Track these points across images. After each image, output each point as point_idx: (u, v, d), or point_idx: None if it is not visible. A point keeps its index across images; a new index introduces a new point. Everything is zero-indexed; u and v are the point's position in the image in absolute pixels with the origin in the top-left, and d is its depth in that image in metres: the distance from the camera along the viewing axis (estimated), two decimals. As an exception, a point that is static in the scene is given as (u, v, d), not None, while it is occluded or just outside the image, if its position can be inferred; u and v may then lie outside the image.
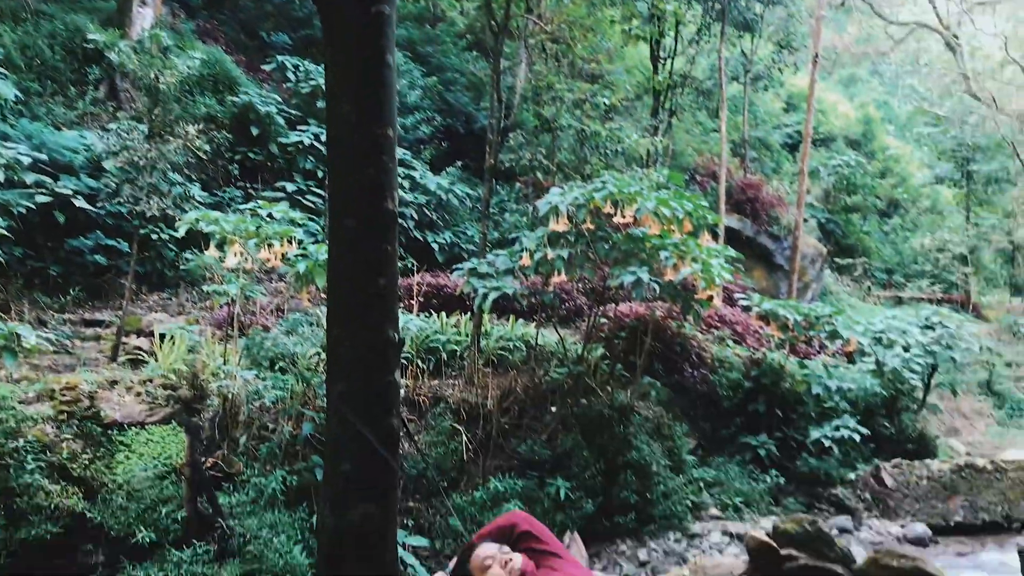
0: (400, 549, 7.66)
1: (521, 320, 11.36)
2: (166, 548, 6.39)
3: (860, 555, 4.71)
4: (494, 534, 3.07)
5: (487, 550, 2.94)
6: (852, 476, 11.41)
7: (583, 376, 9.88)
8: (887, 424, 12.29)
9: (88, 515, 6.34)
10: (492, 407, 9.36)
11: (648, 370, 10.72)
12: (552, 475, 9.08)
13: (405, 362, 9.75)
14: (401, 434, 2.99)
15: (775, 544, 4.83)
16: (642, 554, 9.17)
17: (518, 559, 2.90)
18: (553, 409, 9.64)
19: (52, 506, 6.16)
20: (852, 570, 4.71)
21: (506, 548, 2.95)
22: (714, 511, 10.31)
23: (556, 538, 3.17)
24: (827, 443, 10.95)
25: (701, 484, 10.50)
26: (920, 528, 10.57)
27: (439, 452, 8.86)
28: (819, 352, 13.68)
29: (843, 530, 10.54)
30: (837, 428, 11.08)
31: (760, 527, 10.15)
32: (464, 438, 9.09)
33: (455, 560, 3.06)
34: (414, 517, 8.46)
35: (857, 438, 10.94)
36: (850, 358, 13.30)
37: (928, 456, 12.22)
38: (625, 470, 9.46)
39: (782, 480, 10.96)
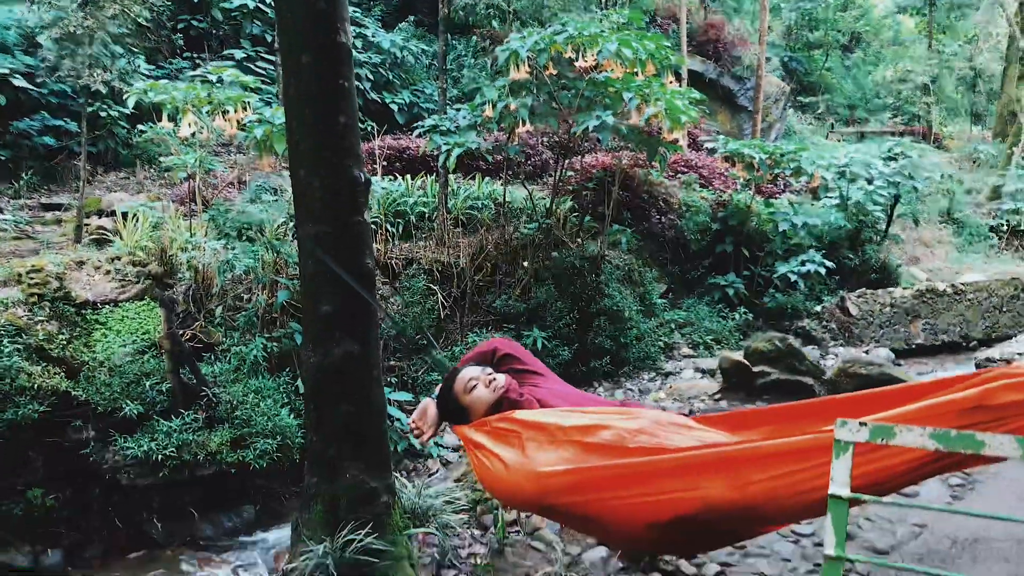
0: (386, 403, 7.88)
1: (488, 178, 11.28)
2: (154, 419, 6.50)
3: (831, 370, 4.89)
4: (476, 359, 3.10)
5: (470, 372, 2.96)
6: (818, 308, 11.76)
7: (553, 229, 9.93)
8: (851, 256, 12.57)
9: (72, 393, 6.39)
10: (465, 266, 9.42)
11: (617, 219, 10.79)
12: (528, 327, 9.27)
13: (374, 227, 9.71)
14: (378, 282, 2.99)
15: (748, 363, 4.99)
16: (618, 394, 9.48)
17: (501, 378, 2.92)
18: (525, 264, 9.73)
19: (35, 387, 6.19)
20: (823, 381, 4.88)
21: (489, 369, 2.98)
22: (686, 350, 10.64)
23: (536, 359, 3.23)
24: (793, 278, 11.22)
25: (672, 326, 10.79)
26: (884, 352, 10.98)
27: (415, 312, 8.96)
28: (784, 191, 13.79)
29: (810, 360, 11.00)
30: (803, 263, 11.33)
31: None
32: (439, 297, 9.19)
33: (440, 386, 3.08)
34: (397, 375, 8.65)
35: (823, 272, 11.23)
36: (815, 194, 13.45)
37: (891, 285, 12.59)
38: (599, 317, 9.66)
39: (750, 316, 11.28)
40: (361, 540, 2.76)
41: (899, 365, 10.88)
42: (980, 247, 15.79)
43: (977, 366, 7.35)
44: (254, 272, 7.85)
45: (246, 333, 7.58)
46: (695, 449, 2.18)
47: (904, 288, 12.04)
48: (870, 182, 12.22)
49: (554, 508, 2.42)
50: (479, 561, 3.23)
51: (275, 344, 7.58)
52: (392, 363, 8.70)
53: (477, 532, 3.56)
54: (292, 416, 6.97)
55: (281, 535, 6.74)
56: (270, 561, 6.55)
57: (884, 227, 13.34)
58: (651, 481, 2.16)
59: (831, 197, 12.74)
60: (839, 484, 1.68)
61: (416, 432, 2.99)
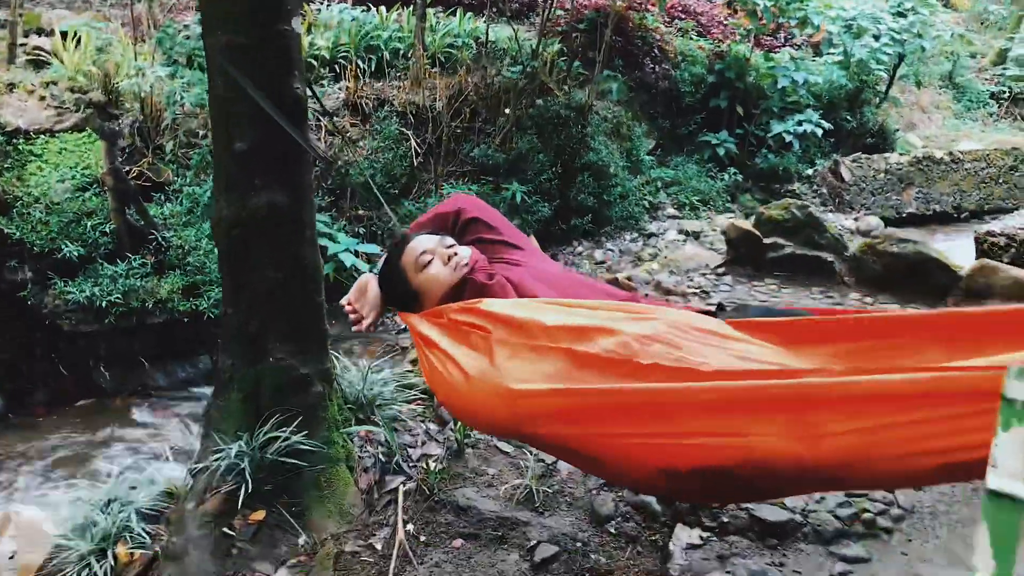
0: (353, 256, 7.40)
1: (469, 14, 10.36)
2: (98, 263, 6.00)
3: (855, 245, 4.27)
4: (433, 223, 2.37)
5: (424, 243, 2.23)
6: (810, 172, 11.25)
7: (538, 74, 9.16)
8: (849, 118, 11.94)
9: (5, 231, 5.84)
10: (441, 110, 8.72)
11: (608, 66, 10.00)
12: (507, 180, 8.69)
13: (344, 61, 8.92)
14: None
15: (758, 233, 4.39)
16: (598, 254, 9.09)
17: (465, 252, 2.23)
18: (507, 111, 9.02)
19: (-39, 221, 5.64)
20: (844, 257, 4.30)
21: (449, 240, 2.26)
22: (671, 211, 10.16)
23: (512, 225, 2.48)
24: (789, 138, 10.63)
25: (659, 184, 10.25)
26: (874, 221, 10.60)
27: (387, 158, 8.34)
28: (784, 44, 12.95)
29: (797, 225, 10.59)
30: (800, 123, 10.71)
31: (715, 225, 10.12)
32: (413, 143, 8.54)
33: (382, 259, 2.36)
34: (365, 225, 8.13)
35: (820, 132, 10.65)
36: (816, 50, 12.65)
37: (887, 150, 12.05)
38: (582, 172, 9.10)
39: (740, 178, 10.75)
40: (287, 438, 2.24)
41: (888, 235, 10.59)
42: (978, 114, 15.17)
43: (977, 241, 6.93)
44: (205, 107, 7.14)
45: (200, 173, 6.96)
46: (741, 376, 1.48)
47: (900, 154, 11.51)
48: (876, 39, 11.41)
49: (534, 438, 1.82)
50: (432, 466, 2.67)
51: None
52: (360, 212, 8.17)
53: (433, 427, 2.97)
54: (250, 264, 6.49)
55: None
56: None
57: (885, 88, 12.64)
58: (673, 418, 1.50)
59: (833, 53, 11.96)
60: (1006, 475, 0.99)
61: (353, 317, 2.30)
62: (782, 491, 1.96)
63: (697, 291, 4.21)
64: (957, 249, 9.06)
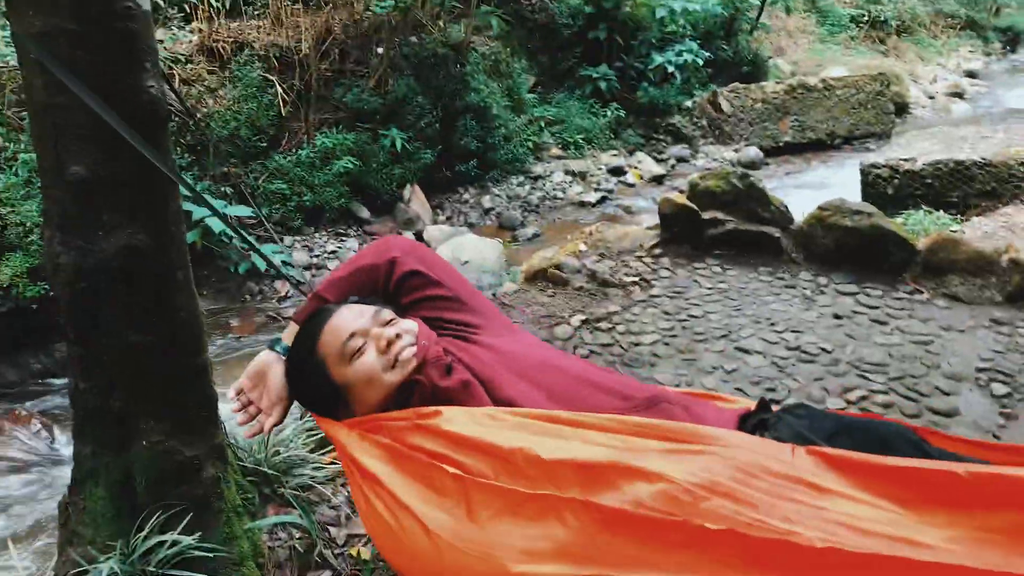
0: (221, 222, 6.69)
1: (330, -58, 9.47)
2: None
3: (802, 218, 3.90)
4: (357, 280, 1.71)
5: (350, 321, 1.57)
6: (690, 104, 11.14)
7: (411, 9, 8.48)
8: (725, 46, 11.86)
9: None
10: (308, 52, 7.94)
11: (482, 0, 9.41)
12: (385, 126, 8.08)
13: (195, 0, 7.95)
14: (172, 100, 1.79)
15: (695, 207, 4.01)
16: (486, 201, 8.69)
17: (407, 336, 1.58)
18: (380, 50, 8.34)
19: None
20: (790, 231, 3.98)
21: (386, 313, 1.61)
22: (556, 151, 9.83)
23: (461, 275, 1.83)
24: (671, 68, 10.43)
25: (542, 123, 9.88)
26: (753, 151, 10.66)
27: (251, 108, 7.55)
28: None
29: (680, 159, 10.50)
30: (679, 53, 10.54)
31: (600, 163, 9.88)
32: (279, 90, 7.77)
33: (294, 335, 1.67)
34: (232, 184, 7.37)
35: (700, 61, 10.54)
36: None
37: (761, 78, 12.10)
38: (464, 115, 8.58)
39: (622, 113, 10.50)
40: (175, 543, 1.70)
41: (767, 164, 10.64)
42: (841, 37, 15.46)
43: (863, 173, 6.95)
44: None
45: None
46: (877, 566, 0.95)
47: (776, 82, 11.55)
48: (749, -36, 11.30)
49: None
50: (364, 552, 2.06)
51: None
52: (227, 170, 7.39)
53: None
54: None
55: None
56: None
57: (756, 15, 12.62)
58: None
59: (708, -19, 11.76)
60: None
61: (243, 417, 1.64)
62: None
63: (636, 279, 3.83)
64: (839, 178, 9.23)
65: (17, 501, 4.33)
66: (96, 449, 1.80)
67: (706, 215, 3.95)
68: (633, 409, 1.45)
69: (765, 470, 1.13)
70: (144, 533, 1.77)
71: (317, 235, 7.68)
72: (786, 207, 4.01)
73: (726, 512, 1.07)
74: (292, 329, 1.69)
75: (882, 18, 15.70)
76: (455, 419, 1.37)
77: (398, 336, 1.56)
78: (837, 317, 3.47)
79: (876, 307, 3.53)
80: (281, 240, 7.42)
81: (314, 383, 1.59)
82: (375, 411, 1.54)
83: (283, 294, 7.00)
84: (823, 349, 3.23)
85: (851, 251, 3.74)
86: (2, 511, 4.24)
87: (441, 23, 8.86)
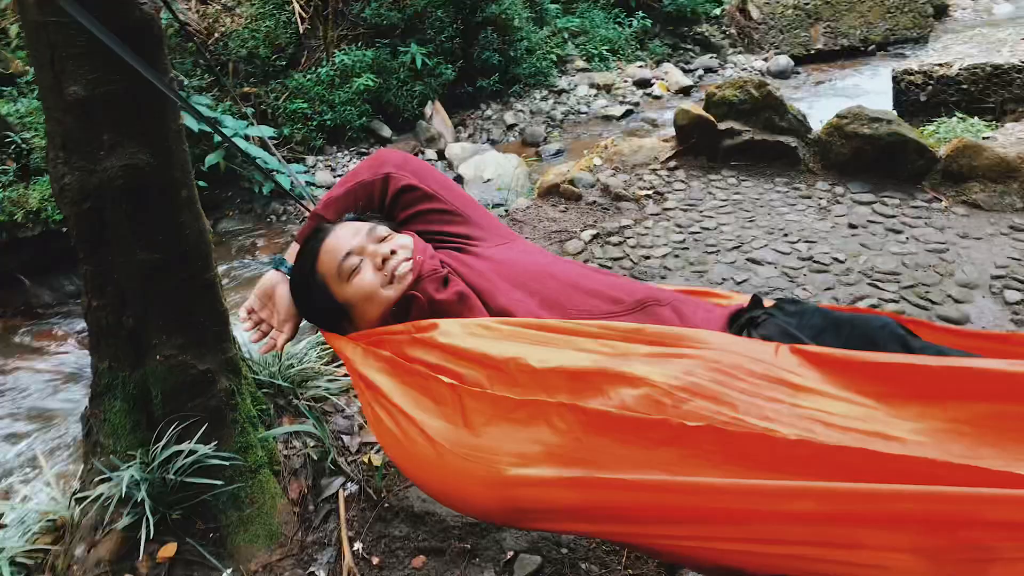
0: (244, 141, 6.67)
1: None
2: (-57, 178, 5.19)
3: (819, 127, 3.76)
4: (353, 197, 1.71)
5: (345, 240, 1.59)
6: (718, 11, 10.77)
7: (428, -83, 8.23)
8: (756, -51, 11.36)
9: None
10: (324, -35, 7.77)
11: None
12: (405, 41, 7.95)
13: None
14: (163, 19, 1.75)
15: (712, 117, 3.88)
16: (509, 117, 8.56)
17: (404, 249, 1.59)
18: (397, -39, 8.13)
19: None
20: (808, 141, 3.84)
21: (380, 229, 1.62)
22: (580, 63, 9.61)
23: (458, 186, 1.81)
24: (698, -27, 10.06)
25: (565, 35, 9.64)
26: (783, 60, 10.32)
27: (268, 26, 7.45)
28: None
29: (708, 69, 10.21)
30: (708, -43, 10.13)
31: (626, 75, 9.64)
32: (297, 7, 7.64)
33: (295, 254, 1.70)
34: (253, 104, 7.34)
35: (729, -34, 10.10)
36: None
37: (794, -20, 11.60)
38: (485, 28, 8.41)
39: (648, 23, 10.23)
40: (192, 452, 1.76)
41: (797, 73, 10.31)
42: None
43: (895, 80, 6.71)
44: None
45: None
46: (844, 466, 0.98)
47: (808, -14, 11.08)
48: None
49: (542, 528, 1.33)
50: (376, 460, 2.13)
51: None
52: (246, 88, 7.34)
53: None
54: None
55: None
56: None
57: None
58: (746, 524, 1.03)
59: None
60: None
61: (255, 335, 1.69)
62: None
63: (650, 192, 3.75)
64: (871, 85, 8.93)
65: (57, 414, 4.48)
66: (112, 364, 1.84)
67: (722, 125, 3.84)
68: (623, 313, 1.48)
69: (746, 371, 1.16)
70: (162, 443, 1.82)
71: (340, 154, 7.65)
72: (804, 116, 3.88)
73: (706, 412, 1.11)
74: (294, 248, 1.72)
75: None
76: (451, 331, 1.40)
77: (393, 252, 1.57)
78: (852, 227, 3.39)
79: (893, 216, 3.44)
80: (303, 160, 7.41)
81: (317, 301, 1.62)
82: (376, 325, 1.58)
83: (307, 214, 7.02)
84: (836, 259, 3.17)
85: (869, 159, 3.62)
86: (44, 425, 4.38)
87: (460, -69, 8.59)
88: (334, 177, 7.35)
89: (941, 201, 3.44)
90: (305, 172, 7.19)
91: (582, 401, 1.18)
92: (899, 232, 3.29)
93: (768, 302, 1.58)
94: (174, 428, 1.84)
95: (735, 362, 1.18)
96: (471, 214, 1.74)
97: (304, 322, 1.75)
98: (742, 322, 1.47)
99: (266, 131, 7.07)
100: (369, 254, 1.58)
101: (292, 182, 6.79)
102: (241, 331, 1.78)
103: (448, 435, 1.28)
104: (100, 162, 1.63)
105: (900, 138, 3.55)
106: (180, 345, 1.83)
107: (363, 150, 7.77)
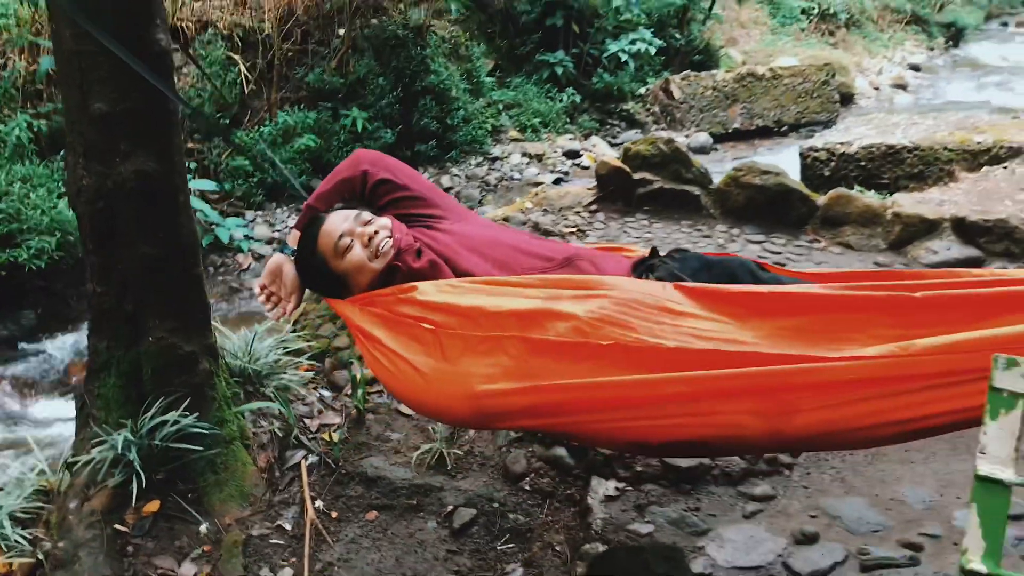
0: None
1: (292, -74, 9.69)
2: None
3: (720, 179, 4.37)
4: (338, 191, 2.14)
5: (339, 224, 2.03)
6: (643, 91, 11.51)
7: (372, -8, 8.77)
8: (678, 35, 12.26)
9: None
10: (271, 32, 8.20)
11: (442, -16, 9.71)
12: (346, 105, 8.37)
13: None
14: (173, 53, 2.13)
15: (627, 168, 4.44)
16: (445, 180, 8.99)
17: (383, 228, 2.02)
18: (341, 32, 8.62)
19: None
20: (710, 190, 4.42)
21: (365, 214, 2.06)
22: (513, 133, 10.16)
23: (422, 177, 2.33)
24: (624, 57, 10.80)
25: (500, 106, 10.20)
26: (703, 137, 11.05)
27: (215, 85, 7.79)
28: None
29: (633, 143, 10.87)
30: (633, 41, 10.91)
31: (556, 146, 10.23)
32: (242, 69, 8.02)
33: (297, 239, 2.13)
34: (196, 160, 7.62)
35: (653, 50, 10.89)
36: (645, -33, 12.81)
37: (712, 67, 12.49)
38: (424, 96, 8.88)
39: (578, 98, 10.86)
40: (176, 422, 2.06)
41: (716, 150, 11.06)
42: (792, 29, 15.96)
43: (802, 156, 7.39)
44: (6, 31, 6.36)
45: (3, 108, 6.24)
46: (702, 358, 1.49)
47: (726, 71, 11.97)
48: (701, -44, 11.72)
49: (504, 427, 1.91)
50: (333, 436, 2.55)
51: (43, 122, 6.34)
52: (190, 144, 7.63)
53: (327, 394, 2.80)
54: (71, 208, 5.94)
55: (68, 340, 5.96)
56: (57, 369, 5.80)
57: (709, 6, 13.04)
58: (642, 406, 1.54)
59: (661, -29, 12.16)
60: (996, 462, 1.06)
61: (270, 302, 2.09)
62: (744, 453, 2.14)
63: (574, 229, 4.22)
64: (782, 162, 9.68)
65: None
66: (110, 343, 2.14)
67: (637, 176, 4.37)
68: (554, 267, 1.97)
69: (643, 304, 1.66)
70: (151, 414, 2.10)
71: (279, 210, 7.93)
72: (706, 169, 4.46)
73: (615, 335, 1.60)
74: (294, 235, 2.15)
75: (831, 11, 16.22)
76: (426, 291, 1.84)
77: (376, 232, 2.01)
78: (746, 261, 3.90)
79: (779, 252, 3.97)
80: (243, 215, 7.67)
81: (319, 275, 2.08)
82: (366, 291, 2.01)
83: (244, 267, 7.25)
84: (730, 285, 3.66)
85: (760, 206, 4.19)
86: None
87: (402, 6, 9.14)
88: (272, 232, 7.62)
89: (820, 242, 3.97)
90: (244, 226, 7.45)
91: (528, 333, 1.66)
92: (784, 265, 3.80)
93: (662, 253, 2.09)
94: (161, 402, 2.13)
95: (635, 298, 1.66)
96: (435, 198, 2.21)
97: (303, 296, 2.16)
98: (642, 268, 1.98)
99: (207, 185, 7.34)
100: (358, 235, 2.02)
101: (231, 236, 7.07)
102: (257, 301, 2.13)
103: (432, 365, 1.73)
104: (116, 167, 1.96)
105: (786, 188, 4.13)
106: (171, 329, 2.14)
107: (301, 208, 8.06)
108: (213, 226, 7.08)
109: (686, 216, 4.38)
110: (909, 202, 4.11)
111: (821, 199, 4.20)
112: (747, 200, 4.24)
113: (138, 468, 2.02)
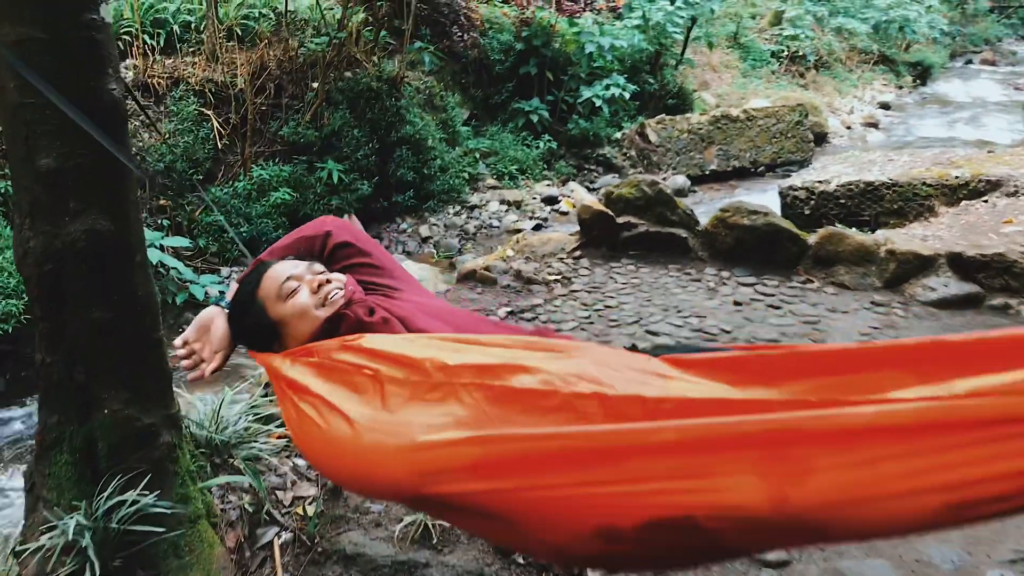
0: (159, 251, 6.76)
1: (264, -18, 9.70)
2: None
3: (707, 220, 4.25)
4: (296, 248, 1.95)
5: (288, 268, 1.81)
6: (619, 135, 11.54)
7: (345, 45, 8.74)
8: (651, 80, 12.35)
9: None
10: (244, 86, 8.12)
11: (415, 36, 9.72)
12: (322, 158, 8.28)
13: (128, 37, 8.08)
14: (129, 107, 2.00)
15: (611, 212, 4.30)
16: (423, 230, 8.90)
17: (337, 279, 1.83)
18: (314, 85, 8.56)
19: None
20: (697, 232, 4.29)
21: (318, 266, 1.86)
22: (491, 181, 10.11)
23: (388, 253, 2.13)
24: (598, 103, 10.84)
25: (477, 155, 10.17)
26: (680, 179, 11.06)
27: (187, 141, 7.68)
28: (585, 9, 13.16)
29: (612, 188, 10.86)
30: (607, 87, 10.94)
31: (534, 192, 10.19)
32: (215, 124, 7.92)
33: (236, 286, 1.90)
34: (169, 216, 7.47)
35: (627, 95, 10.93)
36: (617, 14, 12.95)
37: (687, 110, 12.58)
38: (400, 146, 8.83)
39: (554, 145, 10.86)
40: (135, 502, 1.86)
41: (694, 191, 11.06)
42: (763, 72, 16.16)
43: (782, 195, 7.37)
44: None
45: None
46: (698, 407, 1.23)
47: (700, 114, 12.04)
48: (672, 2, 11.84)
49: (437, 499, 1.39)
50: (308, 510, 2.31)
51: (8, 182, 6.18)
52: (163, 202, 7.48)
53: (301, 463, 2.57)
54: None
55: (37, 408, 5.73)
56: (26, 439, 5.57)
57: (681, 50, 13.18)
58: (620, 461, 1.22)
59: (632, 18, 12.28)
60: None
61: (187, 362, 1.81)
62: (753, 545, 1.47)
63: (558, 277, 4.09)
64: (761, 202, 9.69)
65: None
66: (61, 418, 1.95)
67: (620, 219, 4.25)
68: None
69: (626, 366, 1.39)
70: (107, 494, 1.91)
71: (255, 265, 7.77)
72: (692, 211, 4.34)
73: (591, 389, 1.32)
74: (235, 288, 1.90)
75: (800, 53, 16.45)
76: (375, 340, 1.58)
77: (328, 281, 1.80)
78: (737, 304, 3.76)
79: (772, 295, 3.85)
80: (219, 271, 7.51)
81: (253, 321, 1.80)
82: (306, 343, 1.73)
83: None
84: (723, 330, 3.52)
85: (750, 247, 4.06)
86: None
87: (375, 59, 9.12)
88: (250, 287, 7.44)
89: (813, 282, 3.87)
90: (220, 282, 7.28)
91: (490, 381, 1.38)
92: (778, 308, 3.69)
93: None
94: (118, 480, 1.95)
95: (618, 359, 1.43)
96: (397, 271, 2.01)
97: (228, 357, 1.89)
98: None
99: (181, 242, 7.18)
100: (307, 281, 1.79)
101: (206, 292, 6.89)
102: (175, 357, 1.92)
103: (367, 415, 1.43)
104: (64, 227, 1.81)
105: (775, 228, 4.01)
106: (127, 400, 1.97)
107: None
108: (188, 283, 6.89)
109: (674, 259, 4.26)
110: (902, 239, 3.99)
111: (812, 238, 4.09)
112: (736, 241, 4.12)
113: (92, 556, 1.83)
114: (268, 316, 1.78)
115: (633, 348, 1.78)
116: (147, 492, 1.95)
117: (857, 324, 3.49)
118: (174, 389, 2.20)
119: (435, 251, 8.57)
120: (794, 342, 3.41)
